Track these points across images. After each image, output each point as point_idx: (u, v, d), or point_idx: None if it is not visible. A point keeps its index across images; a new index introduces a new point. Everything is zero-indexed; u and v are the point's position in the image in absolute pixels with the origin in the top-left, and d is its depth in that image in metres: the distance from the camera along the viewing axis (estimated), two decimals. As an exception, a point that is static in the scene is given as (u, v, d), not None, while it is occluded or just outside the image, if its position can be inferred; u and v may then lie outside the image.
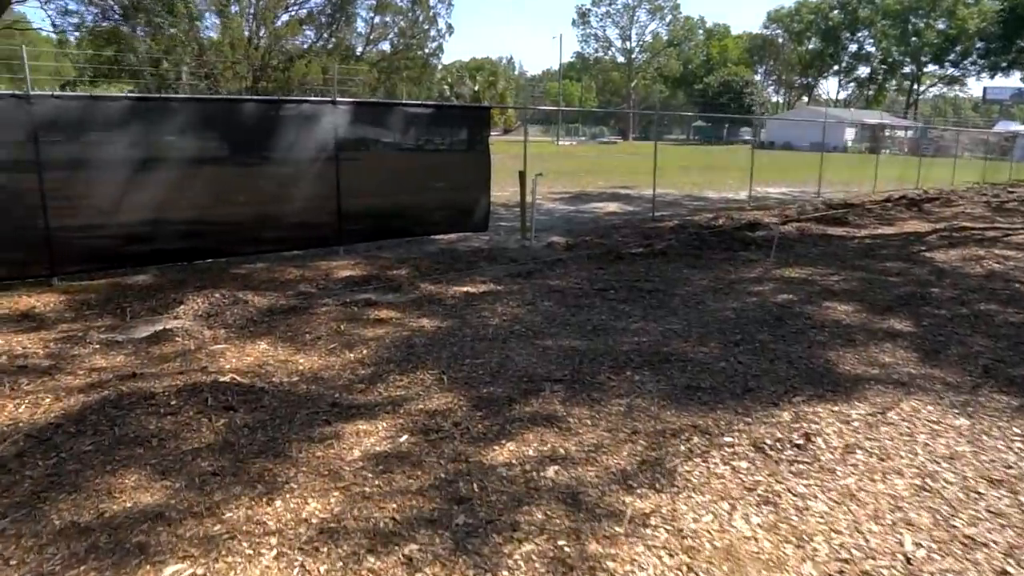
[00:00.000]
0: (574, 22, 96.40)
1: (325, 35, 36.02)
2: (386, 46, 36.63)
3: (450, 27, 45.21)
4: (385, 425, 4.40)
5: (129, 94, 9.85)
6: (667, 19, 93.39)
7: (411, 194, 10.52)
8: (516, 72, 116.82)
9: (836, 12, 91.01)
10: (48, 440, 4.10)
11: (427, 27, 34.61)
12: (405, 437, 4.25)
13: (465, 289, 8.02)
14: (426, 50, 35.41)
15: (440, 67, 42.01)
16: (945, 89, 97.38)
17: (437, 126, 10.76)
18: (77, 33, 31.17)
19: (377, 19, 35.36)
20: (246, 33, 34.53)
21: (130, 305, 7.08)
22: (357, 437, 4.23)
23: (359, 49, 36.06)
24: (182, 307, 6.98)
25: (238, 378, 5.07)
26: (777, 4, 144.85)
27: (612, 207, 17.02)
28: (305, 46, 36.53)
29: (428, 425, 4.40)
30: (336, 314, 6.86)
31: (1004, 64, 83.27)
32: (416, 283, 8.25)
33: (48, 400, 4.68)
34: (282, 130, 9.13)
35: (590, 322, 6.78)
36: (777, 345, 6.15)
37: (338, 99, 9.53)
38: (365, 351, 5.78)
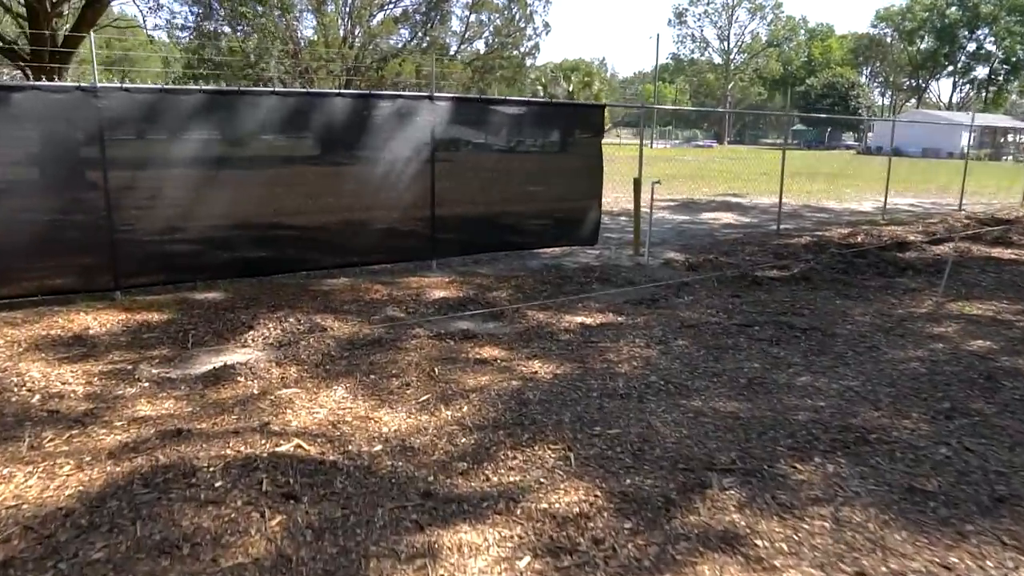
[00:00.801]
0: (670, 22, 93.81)
1: (420, 34, 35.46)
2: (481, 45, 35.80)
3: (547, 25, 44.08)
4: (497, 535, 3.17)
5: (203, 87, 9.00)
6: (768, 18, 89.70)
7: (513, 202, 9.33)
8: (608, 74, 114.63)
9: (954, 9, 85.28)
10: (49, 538, 3.05)
11: (523, 25, 33.55)
12: (527, 559, 3.01)
13: (579, 319, 6.75)
14: (522, 49, 34.37)
15: (533, 67, 40.93)
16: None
17: (543, 127, 9.53)
18: (179, 33, 31.56)
19: (473, 17, 34.55)
20: (341, 32, 34.33)
21: (194, 328, 6.13)
22: (460, 555, 3.02)
23: (453, 48, 35.36)
24: (251, 333, 5.98)
25: (304, 445, 3.94)
26: (887, 2, 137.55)
27: (726, 218, 15.41)
28: (399, 45, 36.10)
29: (557, 540, 3.15)
30: (429, 349, 5.70)
31: None
32: (521, 309, 7.03)
33: (68, 468, 3.66)
34: (372, 129, 8.08)
35: (742, 372, 5.39)
36: (1006, 421, 4.61)
37: (436, 94, 8.42)
38: (465, 407, 4.58)
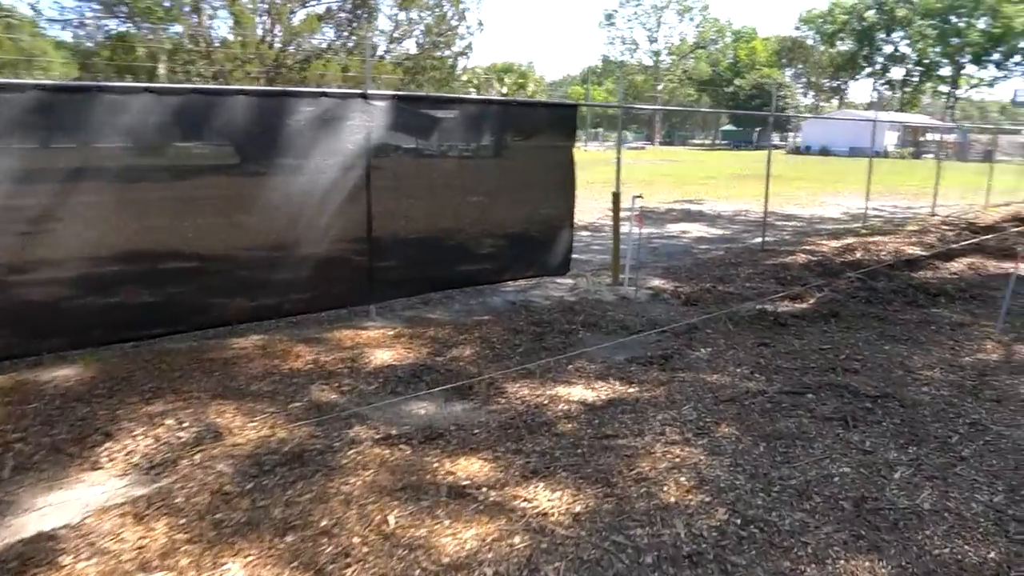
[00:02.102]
0: (600, 24, 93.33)
1: (346, 33, 33.18)
2: (412, 45, 33.68)
3: (480, 24, 42.40)
4: None
5: (41, 81, 6.85)
6: (696, 20, 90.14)
7: (470, 226, 7.49)
8: (537, 76, 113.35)
9: (871, 13, 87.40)
10: None
11: (456, 23, 31.59)
12: None
13: (578, 393, 4.97)
14: (454, 48, 32.38)
15: (466, 69, 39.11)
16: (971, 92, 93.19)
17: (506, 131, 7.71)
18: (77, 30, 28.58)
19: (403, 15, 32.39)
20: (259, 31, 31.79)
21: (22, 439, 4.10)
22: None
23: (382, 48, 33.13)
24: (108, 446, 4.00)
25: None
26: (809, 5, 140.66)
27: (696, 230, 13.90)
28: (324, 45, 33.71)
29: None
30: (376, 470, 3.82)
31: (1052, 65, 79.53)
32: (494, 378, 5.21)
33: None
34: (287, 135, 6.13)
35: (833, 485, 3.73)
36: None
37: (371, 92, 6.52)
38: (447, 607, 2.75)
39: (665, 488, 3.65)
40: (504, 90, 48.72)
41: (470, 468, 3.83)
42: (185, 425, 4.21)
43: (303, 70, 32.04)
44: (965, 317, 7.24)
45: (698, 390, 5.06)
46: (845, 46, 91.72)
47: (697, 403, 4.82)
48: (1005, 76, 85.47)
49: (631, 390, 5.05)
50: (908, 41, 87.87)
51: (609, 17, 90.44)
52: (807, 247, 11.36)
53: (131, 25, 28.90)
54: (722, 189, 23.53)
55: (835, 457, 4.08)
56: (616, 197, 8.59)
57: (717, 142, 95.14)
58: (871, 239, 12.09)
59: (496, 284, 8.02)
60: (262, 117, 6.04)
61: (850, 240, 12.07)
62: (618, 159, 8.88)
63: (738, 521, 3.37)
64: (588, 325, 6.65)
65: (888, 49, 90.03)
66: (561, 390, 5.03)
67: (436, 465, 3.86)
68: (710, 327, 6.64)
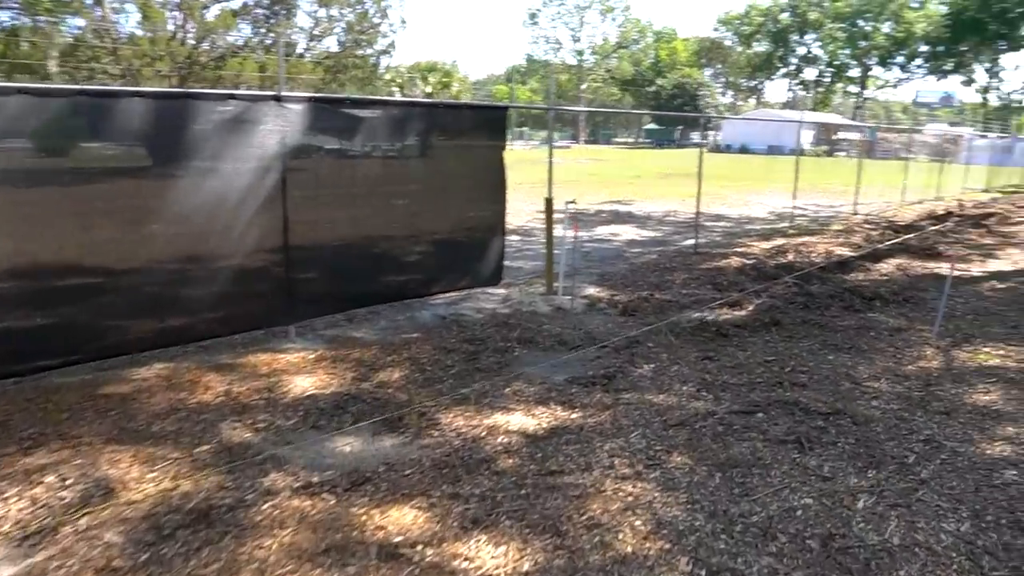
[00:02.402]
0: (524, 23, 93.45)
1: (263, 30, 31.97)
2: (333, 43, 32.67)
3: (404, 21, 41.63)
4: None
5: None
6: (618, 20, 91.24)
7: (396, 236, 7.03)
8: (461, 76, 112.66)
9: (786, 15, 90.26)
10: None
11: (378, 21, 30.78)
12: None
13: (518, 421, 4.60)
14: (377, 47, 31.56)
15: (389, 68, 38.27)
16: (877, 92, 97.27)
17: (432, 134, 7.26)
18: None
19: (322, 12, 31.38)
20: (170, 27, 30.30)
21: None
22: None
23: (302, 46, 32.06)
24: (-26, 513, 3.41)
25: None
26: (727, 7, 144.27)
27: (626, 232, 13.75)
28: (240, 43, 32.40)
29: None
30: (295, 527, 3.36)
31: (948, 68, 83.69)
32: (427, 406, 4.79)
33: None
34: (193, 141, 5.54)
35: (796, 519, 3.47)
36: None
37: (285, 94, 5.99)
38: None
39: (620, 535, 3.31)
40: (428, 89, 48.03)
41: (403, 520, 3.41)
42: (70, 482, 3.64)
43: (218, 68, 30.77)
44: (901, 322, 7.20)
45: (645, 413, 4.76)
46: (761, 47, 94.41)
47: (645, 429, 4.52)
48: (908, 78, 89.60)
49: (574, 416, 4.71)
50: (820, 43, 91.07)
51: (533, 16, 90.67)
52: (739, 249, 11.31)
53: (27, 19, 27.12)
54: (650, 189, 23.63)
55: (795, 487, 3.83)
56: (549, 203, 8.27)
57: (640, 141, 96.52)
58: (800, 240, 12.15)
59: (425, 297, 7.57)
60: (164, 121, 5.44)
61: (780, 241, 12.11)
62: (550, 162, 8.56)
63: (702, 573, 3.05)
64: (524, 341, 6.29)
65: (801, 51, 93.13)
66: (499, 418, 4.64)
67: (364, 518, 3.42)
68: (651, 340, 6.38)
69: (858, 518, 3.53)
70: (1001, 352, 6.31)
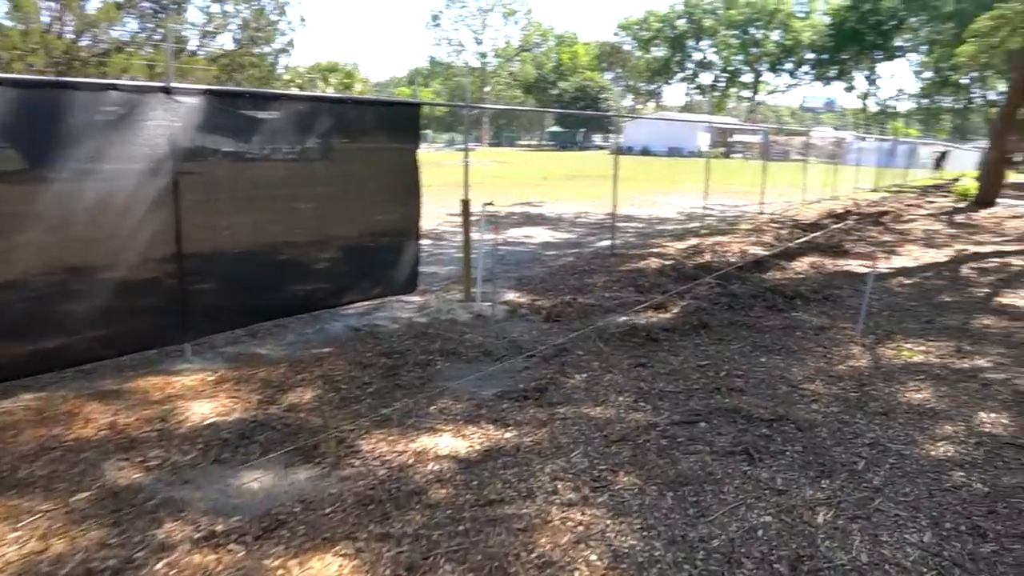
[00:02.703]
0: (427, 24, 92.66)
1: (151, 25, 30.18)
2: (228, 41, 31.17)
3: (303, 19, 40.40)
4: None
5: None
6: (521, 24, 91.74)
7: (302, 242, 6.47)
8: (362, 77, 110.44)
9: (682, 22, 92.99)
10: None
11: (276, 18, 29.59)
12: None
13: (447, 445, 4.18)
14: (275, 45, 30.33)
15: (287, 67, 36.93)
16: (768, 97, 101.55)
17: (341, 132, 6.73)
18: None
19: (216, 7, 29.87)
20: (46, 18, 28.16)
21: None
22: None
23: (194, 43, 30.42)
24: None
25: None
26: (626, 13, 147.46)
27: (541, 235, 13.51)
28: (126, 38, 30.47)
29: None
30: (196, 586, 2.84)
31: (832, 75, 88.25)
32: (345, 431, 4.31)
33: None
34: (69, 138, 4.86)
35: (759, 540, 3.21)
36: None
37: (175, 85, 5.36)
38: None
39: (576, 574, 2.95)
40: (330, 90, 46.72)
41: (326, 571, 2.95)
42: (-93, 548, 2.99)
43: (102, 65, 28.88)
44: (824, 320, 7.19)
45: (584, 429, 4.44)
46: (660, 52, 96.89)
47: (586, 446, 4.19)
48: (797, 83, 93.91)
49: (509, 435, 4.34)
50: (715, 49, 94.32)
51: (435, 18, 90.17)
52: (656, 250, 11.24)
53: None
54: (558, 190, 23.57)
55: (751, 503, 3.58)
56: (466, 205, 7.88)
57: (544, 143, 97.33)
58: (713, 240, 12.21)
59: (336, 308, 7.03)
60: (34, 115, 4.74)
61: (694, 241, 12.13)
62: (465, 163, 8.18)
63: (670, 614, 2.73)
64: (446, 353, 5.87)
65: (698, 56, 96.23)
66: (427, 441, 4.22)
67: (281, 572, 2.93)
68: (580, 347, 6.08)
69: (821, 535, 3.31)
70: (922, 348, 6.35)
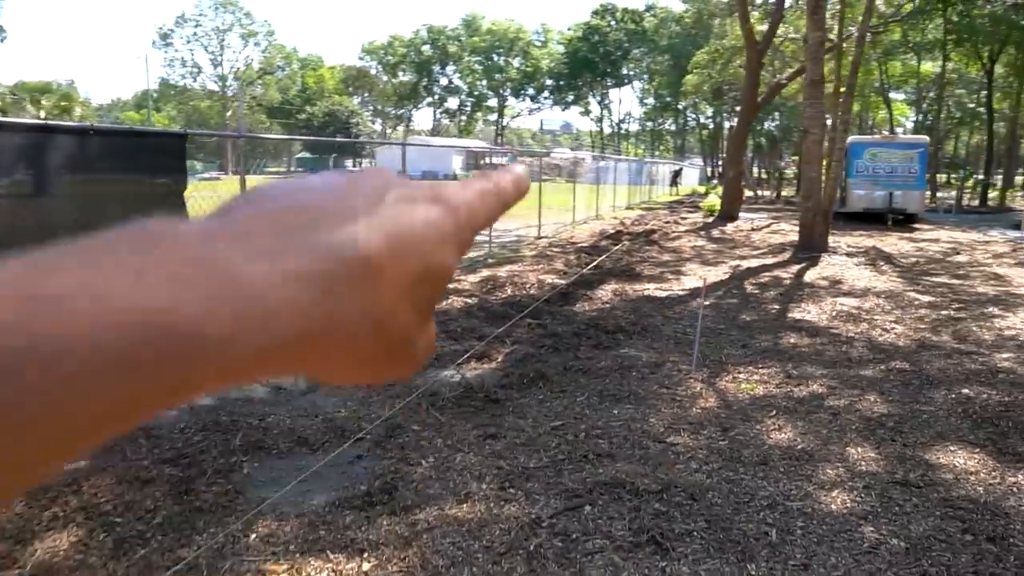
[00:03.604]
0: (155, 43, 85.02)
1: None
2: None
3: (2, 30, 34.73)
4: None
5: None
6: (262, 46, 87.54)
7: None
8: (82, 99, 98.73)
9: (427, 47, 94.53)
10: None
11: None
12: None
13: (288, 599, 3.07)
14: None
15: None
16: (511, 120, 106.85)
17: (81, 170, 5.19)
18: None
19: None
20: None
21: None
22: None
23: None
24: None
25: None
26: (371, 37, 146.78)
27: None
28: None
29: None
30: None
31: (569, 99, 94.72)
32: (132, 601, 3.03)
33: None
34: None
35: None
36: None
37: None
38: None
39: None
40: (42, 114, 40.65)
41: None
42: None
43: None
44: (652, 355, 6.90)
45: (458, 540, 3.54)
46: (407, 76, 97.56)
47: (471, 567, 3.30)
48: (539, 107, 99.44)
49: (368, 568, 3.31)
50: (460, 75, 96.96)
51: (165, 37, 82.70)
52: (451, 286, 10.54)
53: None
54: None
55: (690, 622, 2.92)
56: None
57: (293, 170, 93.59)
58: (505, 270, 11.81)
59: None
60: None
61: (486, 273, 11.61)
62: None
63: None
64: (251, 448, 4.64)
65: (444, 81, 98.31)
66: (258, 598, 3.07)
67: None
68: (413, 420, 5.15)
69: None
70: (756, 377, 6.25)
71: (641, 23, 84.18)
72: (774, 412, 5.37)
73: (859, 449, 4.70)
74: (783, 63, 27.35)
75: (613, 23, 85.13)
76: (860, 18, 17.08)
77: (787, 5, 22.86)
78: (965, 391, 5.88)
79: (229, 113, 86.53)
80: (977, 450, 4.73)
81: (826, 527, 3.71)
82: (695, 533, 3.62)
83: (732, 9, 30.27)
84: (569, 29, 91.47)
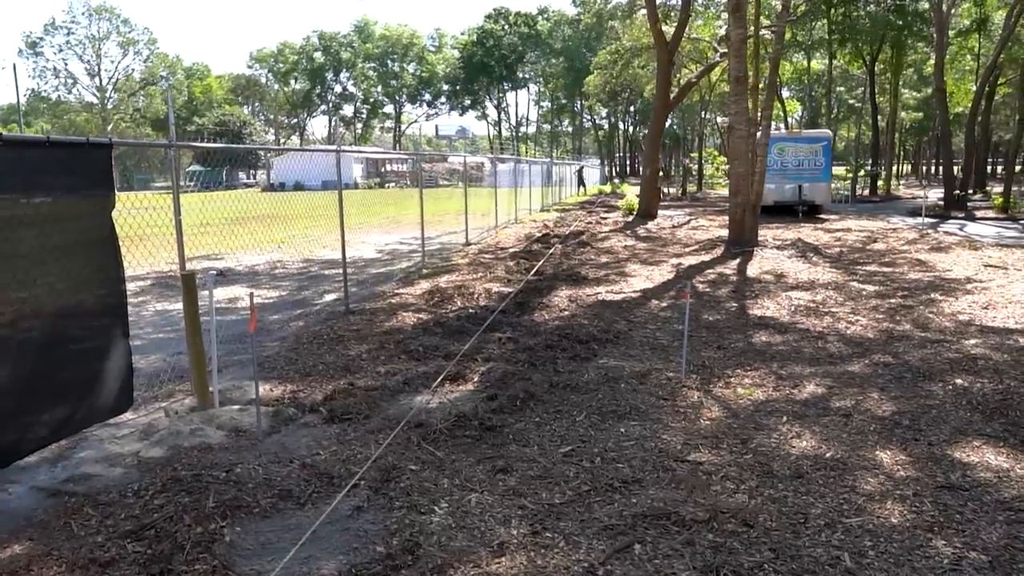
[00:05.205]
0: (22, 52, 79.10)
1: None
2: None
3: None
4: None
5: None
6: (144, 55, 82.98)
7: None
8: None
9: (319, 54, 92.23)
10: None
11: None
12: None
13: None
14: None
15: None
16: (409, 126, 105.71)
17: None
18: None
19: None
20: None
21: None
22: None
23: None
24: None
25: None
26: (259, 45, 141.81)
27: (243, 294, 11.33)
28: None
29: None
30: None
31: (467, 104, 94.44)
32: None
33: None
34: None
35: None
36: None
37: None
38: None
39: None
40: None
41: None
42: None
43: None
44: (634, 364, 6.56)
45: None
46: (299, 84, 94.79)
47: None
48: (436, 113, 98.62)
49: (415, 652, 2.77)
50: (354, 82, 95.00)
51: (33, 45, 77.09)
52: (395, 300, 9.94)
53: None
54: (230, 238, 20.86)
55: None
56: (190, 279, 5.87)
57: (183, 184, 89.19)
58: (447, 279, 11.27)
59: (9, 464, 4.57)
60: None
61: (427, 285, 11.02)
62: (177, 220, 6.18)
63: None
64: (229, 509, 3.96)
65: (339, 88, 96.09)
66: None
67: None
68: (407, 459, 4.58)
69: None
70: (748, 381, 6.01)
71: (535, 27, 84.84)
72: (785, 418, 5.11)
73: (888, 453, 4.49)
74: (682, 63, 27.96)
75: (507, 27, 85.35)
76: (768, 17, 17.47)
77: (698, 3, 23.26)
78: (959, 381, 5.82)
79: (110, 127, 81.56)
80: (1000, 444, 4.61)
81: (896, 545, 3.43)
82: (766, 566, 3.26)
83: (632, 10, 30.71)
84: (463, 34, 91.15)
